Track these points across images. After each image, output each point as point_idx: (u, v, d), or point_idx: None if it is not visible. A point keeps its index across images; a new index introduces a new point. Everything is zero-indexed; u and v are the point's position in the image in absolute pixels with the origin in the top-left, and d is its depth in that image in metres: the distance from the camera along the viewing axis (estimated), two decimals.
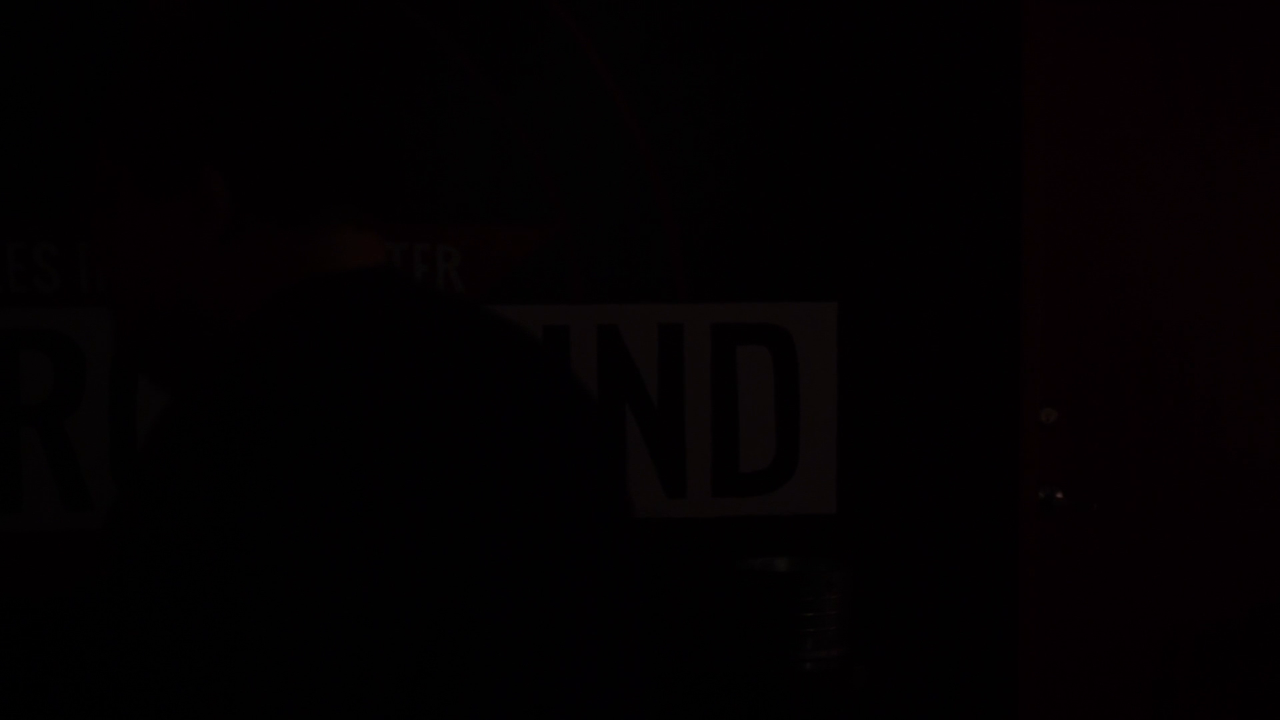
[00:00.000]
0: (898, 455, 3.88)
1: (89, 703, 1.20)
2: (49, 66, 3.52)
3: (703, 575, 3.74)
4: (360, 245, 1.43)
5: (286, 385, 1.26)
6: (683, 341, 3.80)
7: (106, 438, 3.58)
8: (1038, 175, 3.92)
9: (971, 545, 3.91)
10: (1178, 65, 4.03)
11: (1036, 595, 3.97)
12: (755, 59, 3.80)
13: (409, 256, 3.65)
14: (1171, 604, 4.10)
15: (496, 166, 3.70)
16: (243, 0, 1.43)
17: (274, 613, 1.16)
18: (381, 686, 1.19)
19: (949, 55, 3.86)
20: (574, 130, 3.73)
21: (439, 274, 3.69)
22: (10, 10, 3.51)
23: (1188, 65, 4.03)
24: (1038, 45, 3.90)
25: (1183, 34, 4.03)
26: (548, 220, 3.74)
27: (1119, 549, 4.08)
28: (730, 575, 3.62)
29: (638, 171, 3.76)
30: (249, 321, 1.39)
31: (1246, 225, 4.10)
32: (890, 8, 3.84)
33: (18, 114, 3.53)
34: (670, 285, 3.78)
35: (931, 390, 3.89)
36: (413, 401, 1.29)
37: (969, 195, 3.88)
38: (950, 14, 3.85)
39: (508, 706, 1.29)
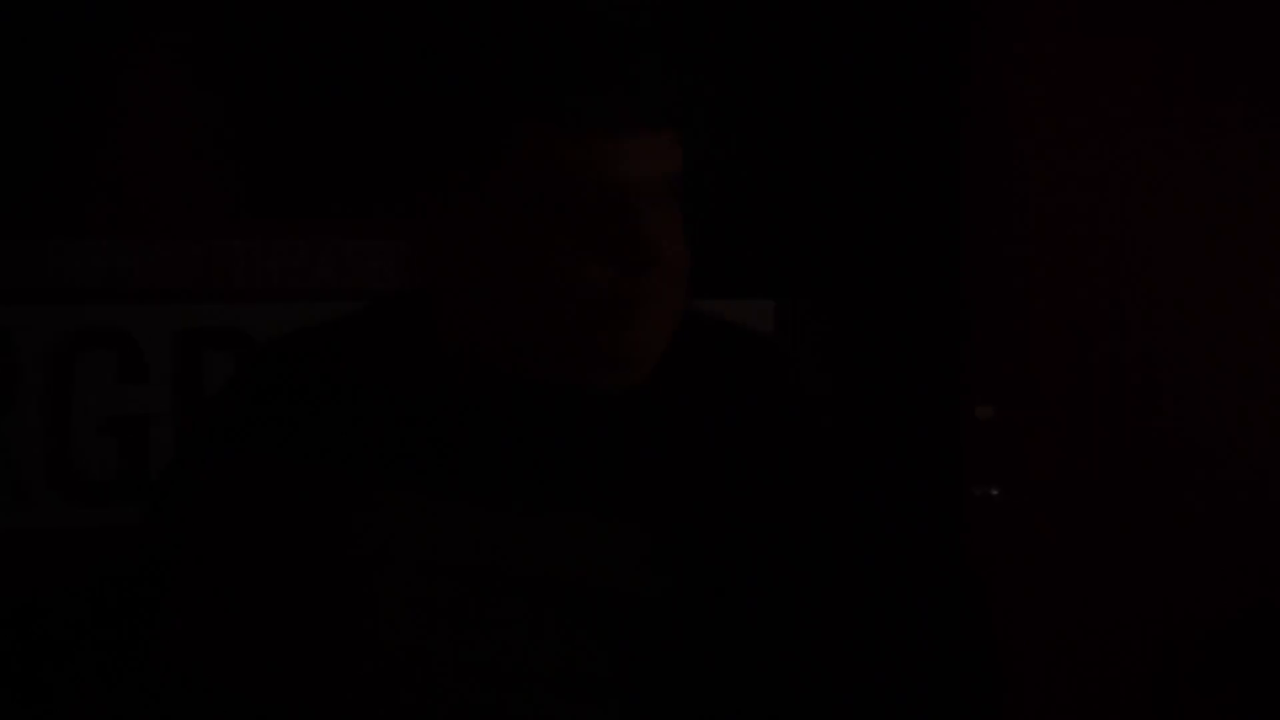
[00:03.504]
0: None
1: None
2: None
3: None
4: None
5: None
6: None
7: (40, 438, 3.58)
8: (979, 174, 3.94)
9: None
10: (1169, 56, 4.07)
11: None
12: (695, 57, 3.80)
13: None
14: (1125, 605, 4.13)
15: None
16: None
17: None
18: None
19: (888, 48, 3.87)
20: None
21: None
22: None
23: (1164, 54, 4.07)
24: (984, 40, 3.92)
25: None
26: None
27: (1063, 546, 4.10)
28: None
29: None
30: None
31: (1192, 215, 4.13)
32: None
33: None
34: None
35: (871, 389, 3.90)
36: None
37: (909, 193, 3.89)
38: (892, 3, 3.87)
39: None
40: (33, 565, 3.48)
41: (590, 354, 1.40)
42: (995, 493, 4.02)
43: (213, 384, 3.36)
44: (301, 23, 3.58)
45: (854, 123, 3.86)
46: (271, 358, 1.54)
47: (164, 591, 1.46)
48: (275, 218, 3.64)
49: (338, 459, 1.45)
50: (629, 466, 1.43)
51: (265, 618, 1.43)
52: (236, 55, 3.58)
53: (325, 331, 1.55)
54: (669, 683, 1.40)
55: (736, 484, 1.42)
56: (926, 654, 1.40)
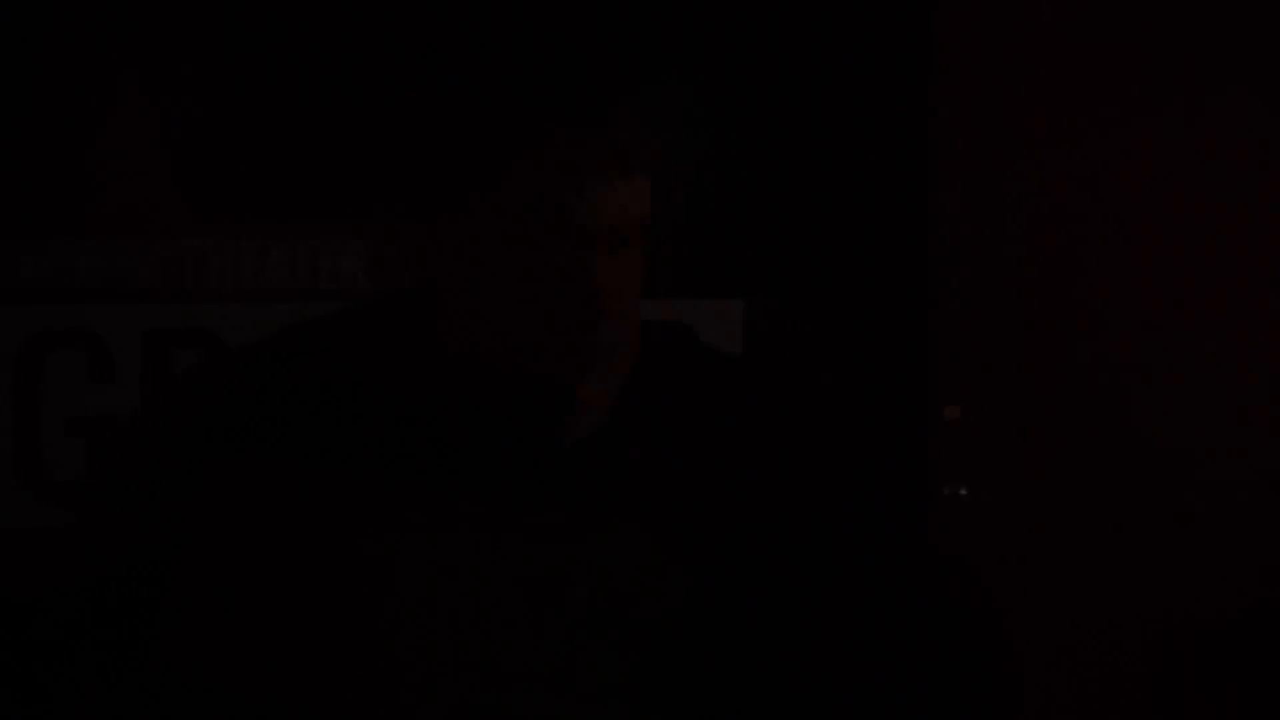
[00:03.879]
0: None
1: None
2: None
3: None
4: None
5: None
6: None
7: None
8: (948, 172, 3.95)
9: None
10: (1164, 55, 4.09)
11: None
12: (665, 57, 3.81)
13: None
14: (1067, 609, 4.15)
15: None
16: None
17: None
18: None
19: (853, 48, 3.88)
20: None
21: None
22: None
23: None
24: (948, 37, 3.93)
25: None
26: None
27: (1060, 547, 4.11)
28: None
29: None
30: None
31: (1188, 214, 4.14)
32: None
33: None
34: None
35: (840, 389, 3.91)
36: None
37: (876, 192, 3.90)
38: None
39: None
40: (1, 565, 3.47)
41: (591, 349, 1.42)
42: (964, 492, 4.03)
43: None
44: (281, 22, 3.58)
45: (822, 122, 3.87)
46: (265, 356, 1.53)
47: (163, 591, 1.46)
48: (248, 217, 3.63)
49: (337, 459, 1.45)
50: (629, 468, 1.44)
51: (266, 619, 1.43)
52: (210, 54, 3.57)
53: (320, 330, 1.54)
54: (669, 683, 1.41)
55: (736, 484, 1.43)
56: (927, 653, 1.41)
